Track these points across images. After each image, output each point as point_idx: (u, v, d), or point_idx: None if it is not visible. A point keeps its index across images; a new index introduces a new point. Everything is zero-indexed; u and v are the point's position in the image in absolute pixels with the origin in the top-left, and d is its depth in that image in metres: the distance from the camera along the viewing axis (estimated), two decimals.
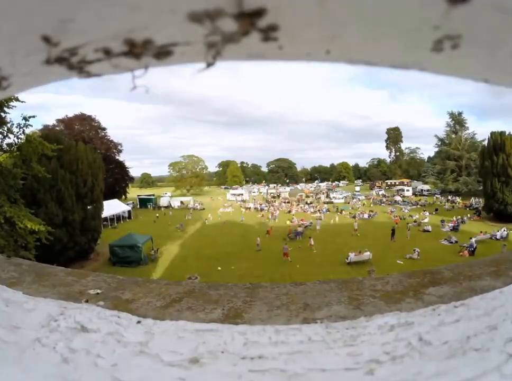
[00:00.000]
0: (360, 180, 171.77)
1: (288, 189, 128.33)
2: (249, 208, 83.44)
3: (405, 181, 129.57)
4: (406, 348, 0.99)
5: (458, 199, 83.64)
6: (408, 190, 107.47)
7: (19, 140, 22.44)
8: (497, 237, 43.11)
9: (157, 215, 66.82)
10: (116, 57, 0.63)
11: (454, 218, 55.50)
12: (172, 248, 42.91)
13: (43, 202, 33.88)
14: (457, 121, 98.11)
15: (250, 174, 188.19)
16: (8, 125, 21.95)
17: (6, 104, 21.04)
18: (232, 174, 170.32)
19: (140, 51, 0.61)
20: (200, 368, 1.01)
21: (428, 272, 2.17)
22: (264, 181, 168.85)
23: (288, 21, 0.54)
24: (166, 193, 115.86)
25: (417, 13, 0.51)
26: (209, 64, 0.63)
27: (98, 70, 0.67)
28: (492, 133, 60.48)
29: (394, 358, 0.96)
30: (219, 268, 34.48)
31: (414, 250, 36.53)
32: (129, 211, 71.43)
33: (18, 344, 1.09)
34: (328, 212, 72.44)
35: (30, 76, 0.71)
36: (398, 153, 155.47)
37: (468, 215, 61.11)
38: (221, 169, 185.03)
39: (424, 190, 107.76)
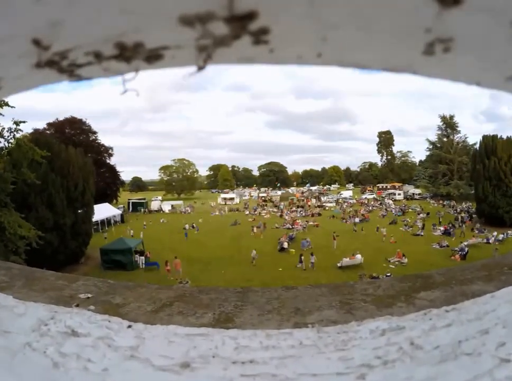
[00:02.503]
0: (352, 183, 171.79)
1: (279, 192, 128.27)
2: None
3: (397, 185, 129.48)
4: (397, 352, 0.99)
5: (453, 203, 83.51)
6: (399, 194, 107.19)
7: (9, 145, 22.40)
8: (489, 241, 43.25)
9: (144, 224, 65.11)
10: (107, 61, 0.63)
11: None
12: (164, 253, 42.65)
13: (33, 206, 33.71)
14: (449, 124, 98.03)
15: (242, 178, 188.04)
16: None
17: None
18: (224, 178, 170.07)
19: (131, 54, 0.61)
20: (191, 372, 1.01)
21: (420, 276, 2.18)
22: (255, 185, 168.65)
23: (279, 25, 0.54)
24: (157, 197, 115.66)
25: (409, 16, 0.51)
26: (200, 68, 0.63)
27: (88, 73, 0.67)
28: (484, 137, 60.65)
29: (386, 362, 0.96)
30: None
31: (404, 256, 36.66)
32: (121, 215, 71.30)
33: (9, 349, 1.09)
34: (319, 216, 72.42)
35: (21, 80, 0.70)
36: (390, 157, 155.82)
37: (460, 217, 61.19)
38: (212, 172, 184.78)
39: (416, 194, 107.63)
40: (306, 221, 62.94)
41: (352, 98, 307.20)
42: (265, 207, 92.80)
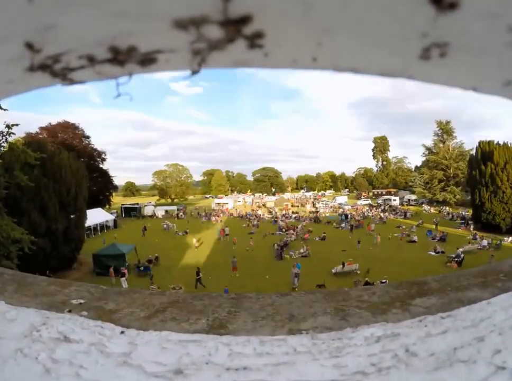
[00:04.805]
0: (347, 189, 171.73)
1: (273, 198, 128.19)
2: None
3: (392, 190, 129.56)
4: (392, 360, 0.99)
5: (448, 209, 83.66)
6: (394, 200, 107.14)
7: (1, 148, 22.31)
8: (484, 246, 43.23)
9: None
10: (100, 64, 0.62)
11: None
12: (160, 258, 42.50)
13: (26, 211, 33.53)
14: (445, 130, 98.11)
15: (236, 183, 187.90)
16: None
17: None
18: (218, 183, 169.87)
19: (125, 58, 0.60)
20: (184, 379, 1.00)
21: (415, 282, 2.17)
22: (249, 190, 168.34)
23: (274, 28, 0.54)
24: (150, 202, 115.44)
25: (405, 20, 0.51)
26: (194, 72, 0.63)
27: (81, 77, 0.66)
28: (480, 142, 60.54)
29: (380, 370, 0.96)
30: None
31: None
32: (114, 221, 71.15)
33: (0, 355, 1.08)
34: (314, 222, 72.38)
35: (13, 84, 0.70)
36: (385, 162, 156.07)
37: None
38: (206, 178, 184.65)
39: (412, 200, 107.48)
40: (301, 226, 62.94)
41: None
42: (258, 212, 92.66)
